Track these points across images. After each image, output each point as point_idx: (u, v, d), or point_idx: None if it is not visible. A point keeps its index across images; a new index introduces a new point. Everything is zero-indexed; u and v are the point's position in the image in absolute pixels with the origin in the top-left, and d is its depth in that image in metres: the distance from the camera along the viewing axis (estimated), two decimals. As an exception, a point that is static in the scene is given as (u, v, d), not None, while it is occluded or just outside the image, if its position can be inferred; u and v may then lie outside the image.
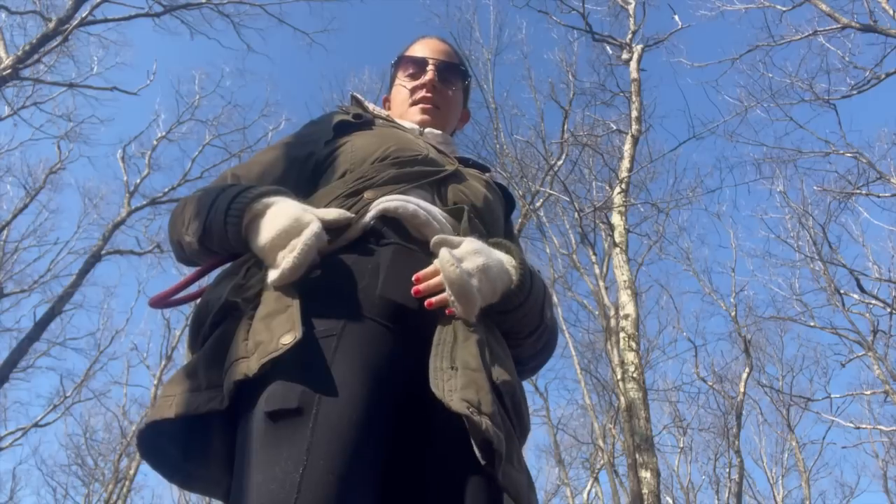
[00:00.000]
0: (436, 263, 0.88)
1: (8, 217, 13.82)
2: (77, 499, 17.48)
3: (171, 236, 1.04)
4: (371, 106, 1.30)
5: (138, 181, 13.57)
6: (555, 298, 13.23)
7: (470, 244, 0.91)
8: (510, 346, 0.98)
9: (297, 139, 1.17)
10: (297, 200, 0.93)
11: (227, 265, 0.98)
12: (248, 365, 0.76)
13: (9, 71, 8.60)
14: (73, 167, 34.37)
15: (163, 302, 0.98)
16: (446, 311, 0.86)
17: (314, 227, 0.86)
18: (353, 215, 0.94)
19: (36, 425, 14.33)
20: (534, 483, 0.85)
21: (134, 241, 15.29)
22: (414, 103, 1.29)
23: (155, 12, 10.51)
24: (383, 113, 1.29)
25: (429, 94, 1.28)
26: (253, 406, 0.76)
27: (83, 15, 9.33)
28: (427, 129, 1.25)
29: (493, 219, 1.13)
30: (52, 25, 8.98)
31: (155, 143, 14.30)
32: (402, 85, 1.32)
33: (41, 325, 10.54)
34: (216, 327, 0.88)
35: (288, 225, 0.86)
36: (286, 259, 0.84)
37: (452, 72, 1.33)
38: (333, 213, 0.92)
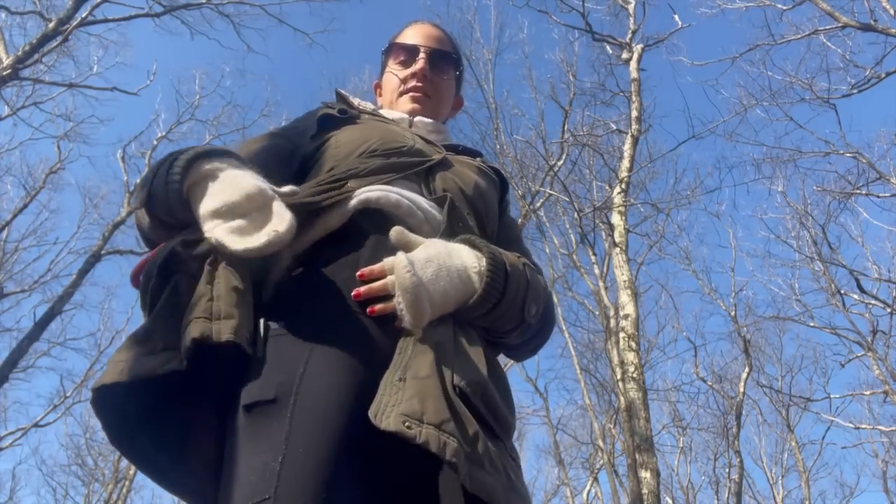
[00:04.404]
0: (385, 263, 0.83)
1: (8, 217, 13.83)
2: (77, 499, 17.50)
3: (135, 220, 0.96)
4: (356, 101, 1.27)
5: (138, 181, 13.56)
6: (555, 298, 13.23)
7: (424, 250, 0.86)
8: (495, 337, 0.96)
9: (283, 132, 1.14)
10: (248, 168, 0.87)
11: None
12: (219, 328, 0.73)
13: (9, 71, 8.60)
14: (73, 167, 34.42)
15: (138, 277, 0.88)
16: (395, 324, 0.81)
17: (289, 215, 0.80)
18: (297, 189, 0.90)
19: (36, 425, 14.32)
20: (514, 482, 0.79)
21: (134, 240, 15.25)
22: (404, 92, 1.26)
23: (155, 12, 10.51)
24: (369, 107, 1.26)
25: (419, 84, 1.25)
26: (235, 403, 0.76)
27: (83, 15, 9.33)
28: (417, 118, 1.23)
29: (486, 204, 1.10)
30: (52, 25, 8.98)
31: (155, 142, 14.30)
32: (393, 73, 1.29)
33: (41, 325, 10.54)
34: (166, 282, 0.80)
35: (256, 192, 0.80)
36: (269, 233, 0.77)
37: (444, 59, 1.29)
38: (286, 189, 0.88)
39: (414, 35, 1.30)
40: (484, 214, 1.08)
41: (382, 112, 1.26)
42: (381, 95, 1.36)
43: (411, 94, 1.25)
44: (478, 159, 1.21)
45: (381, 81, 1.35)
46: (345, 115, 1.14)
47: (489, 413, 0.82)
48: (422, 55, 1.26)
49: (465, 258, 0.88)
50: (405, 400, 0.73)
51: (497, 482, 0.75)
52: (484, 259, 0.89)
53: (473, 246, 0.91)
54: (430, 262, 0.84)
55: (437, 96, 1.28)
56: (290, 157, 1.08)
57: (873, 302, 10.94)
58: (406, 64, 1.28)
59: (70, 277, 11.69)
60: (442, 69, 1.29)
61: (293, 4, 15.72)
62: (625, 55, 9.11)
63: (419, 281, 0.79)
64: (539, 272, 1.03)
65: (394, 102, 1.28)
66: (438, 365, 0.78)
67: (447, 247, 0.89)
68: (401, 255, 0.81)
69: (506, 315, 0.91)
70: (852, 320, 11.64)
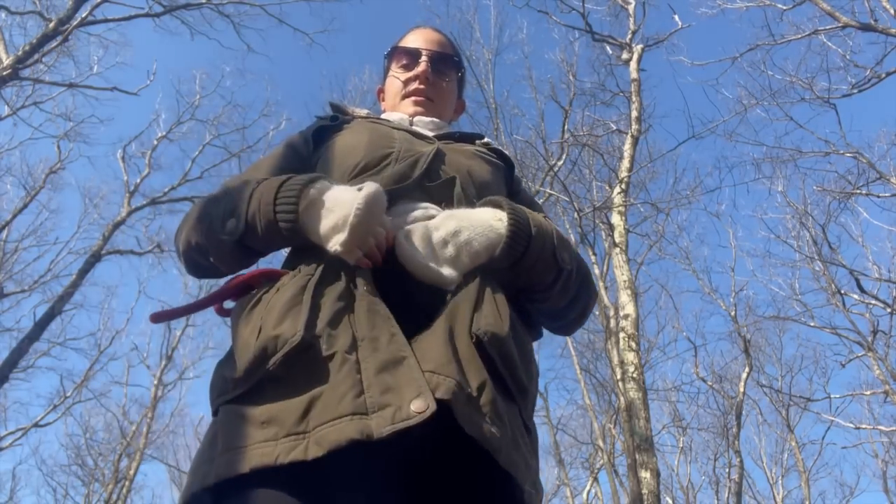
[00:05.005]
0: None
1: (8, 217, 13.83)
2: (77, 499, 17.49)
3: (187, 243, 0.99)
4: (351, 108, 1.28)
5: (138, 181, 13.57)
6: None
7: (446, 214, 0.92)
8: (540, 302, 0.98)
9: (294, 143, 1.17)
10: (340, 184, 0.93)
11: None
12: (369, 425, 0.68)
13: (9, 71, 8.59)
14: (73, 167, 34.39)
15: (167, 318, 0.94)
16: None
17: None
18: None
19: (36, 425, 14.32)
20: (520, 443, 0.78)
21: (134, 240, 15.38)
22: (407, 95, 1.27)
23: (155, 12, 10.50)
24: (363, 112, 1.27)
25: (422, 86, 1.26)
26: None
27: (83, 15, 9.32)
28: (416, 118, 1.24)
29: (483, 189, 1.08)
30: (52, 25, 8.97)
31: (155, 142, 14.30)
32: (396, 76, 1.30)
33: (41, 325, 10.53)
34: (292, 367, 0.75)
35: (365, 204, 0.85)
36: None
37: (446, 63, 1.30)
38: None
39: (416, 39, 1.31)
40: (485, 196, 1.07)
41: (383, 116, 1.26)
42: (383, 100, 1.37)
43: (413, 97, 1.26)
44: (477, 142, 1.21)
45: (384, 86, 1.36)
46: (336, 122, 1.16)
47: (505, 369, 0.82)
48: (424, 58, 1.27)
49: (486, 214, 0.93)
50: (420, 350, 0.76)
51: (500, 433, 0.73)
52: (504, 211, 0.92)
53: (493, 204, 0.96)
54: (451, 217, 0.90)
55: (439, 99, 1.28)
56: (302, 168, 1.11)
57: (873, 302, 10.93)
58: (408, 67, 1.29)
59: (70, 277, 11.70)
60: (444, 72, 1.30)
61: (293, 4, 15.73)
62: (625, 55, 9.11)
63: (409, 244, 0.87)
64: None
65: (396, 106, 1.29)
66: (450, 317, 0.81)
67: (467, 209, 0.95)
68: (400, 234, 0.89)
69: (539, 262, 0.92)
70: (852, 320, 11.63)
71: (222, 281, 0.97)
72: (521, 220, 0.91)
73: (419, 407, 0.68)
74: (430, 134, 1.18)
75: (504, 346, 0.81)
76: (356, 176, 1.02)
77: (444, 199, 0.99)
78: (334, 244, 0.85)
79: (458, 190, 1.00)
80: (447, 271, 0.86)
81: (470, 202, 0.99)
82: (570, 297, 0.99)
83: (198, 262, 1.01)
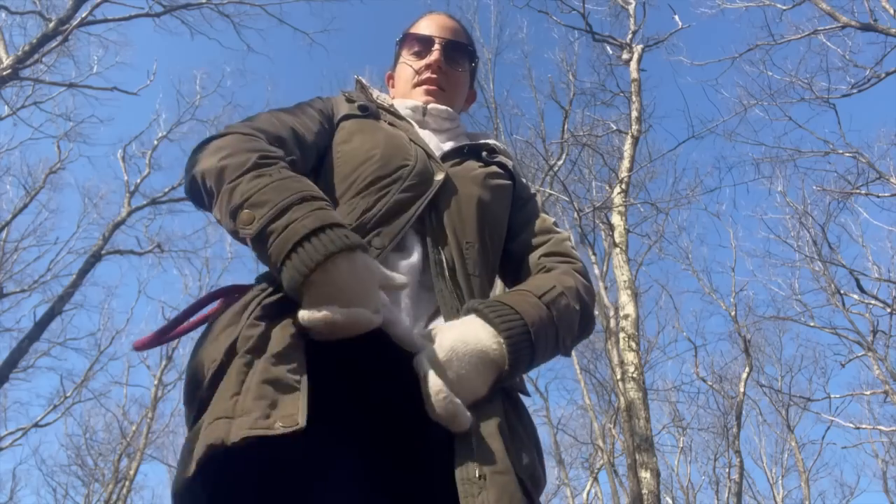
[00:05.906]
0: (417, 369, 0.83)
1: (8, 217, 13.83)
2: (77, 499, 17.51)
3: (212, 183, 0.89)
4: (375, 93, 1.24)
5: (138, 181, 13.58)
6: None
7: (440, 348, 0.84)
8: None
9: (310, 118, 1.11)
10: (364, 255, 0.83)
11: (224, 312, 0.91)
12: (229, 430, 0.68)
13: (9, 71, 8.59)
14: (73, 167, 34.52)
15: (150, 345, 0.89)
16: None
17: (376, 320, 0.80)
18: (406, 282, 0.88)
19: (36, 425, 14.32)
20: None
21: (134, 240, 15.38)
22: (418, 84, 1.24)
23: (155, 12, 10.50)
24: (387, 102, 1.22)
25: (434, 76, 1.23)
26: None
27: (83, 15, 9.32)
28: (430, 106, 1.21)
29: (490, 223, 1.07)
30: (52, 25, 8.97)
31: (155, 142, 14.32)
32: (408, 64, 1.26)
33: (41, 325, 10.53)
34: (214, 389, 0.78)
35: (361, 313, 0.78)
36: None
37: (459, 51, 1.27)
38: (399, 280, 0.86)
39: (429, 26, 1.27)
40: (488, 239, 1.06)
41: (397, 104, 1.23)
42: (393, 87, 1.33)
43: (426, 85, 1.23)
44: (484, 154, 1.16)
45: (395, 72, 1.32)
46: (365, 113, 1.13)
47: (534, 486, 0.84)
48: (437, 46, 1.23)
49: (483, 339, 0.85)
50: (494, 502, 0.73)
51: None
52: (501, 337, 0.85)
53: (486, 320, 0.87)
54: (450, 361, 0.82)
55: (451, 88, 1.25)
56: (316, 147, 1.08)
57: (873, 302, 10.94)
58: (421, 55, 1.25)
59: (70, 277, 11.71)
60: (457, 61, 1.26)
61: (293, 4, 15.80)
62: (625, 55, 9.11)
63: (445, 398, 0.79)
64: (573, 281, 1.00)
65: (407, 94, 1.26)
66: (509, 456, 0.80)
67: (463, 333, 0.86)
68: (431, 377, 0.80)
69: (542, 362, 0.95)
70: (852, 320, 11.66)
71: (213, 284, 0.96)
72: (521, 346, 0.85)
73: (287, 423, 0.68)
74: (439, 150, 1.14)
75: (535, 473, 0.85)
76: (363, 189, 1.00)
77: (440, 244, 0.98)
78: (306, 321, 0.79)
79: (463, 312, 0.92)
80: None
81: (466, 264, 0.98)
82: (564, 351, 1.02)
83: (201, 199, 0.95)
